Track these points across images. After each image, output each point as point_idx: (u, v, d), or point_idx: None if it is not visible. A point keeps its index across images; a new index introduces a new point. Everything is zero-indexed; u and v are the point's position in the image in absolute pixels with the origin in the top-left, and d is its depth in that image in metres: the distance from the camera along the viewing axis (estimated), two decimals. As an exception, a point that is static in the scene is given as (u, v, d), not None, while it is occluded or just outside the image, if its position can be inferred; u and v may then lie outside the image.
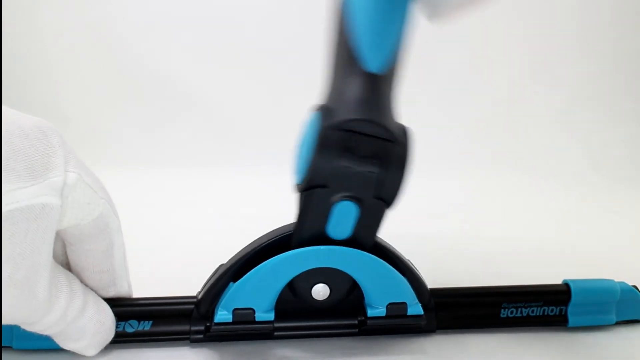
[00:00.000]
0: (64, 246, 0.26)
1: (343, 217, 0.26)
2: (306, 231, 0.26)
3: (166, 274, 0.38)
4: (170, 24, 0.82)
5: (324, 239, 0.26)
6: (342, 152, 0.24)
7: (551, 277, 0.38)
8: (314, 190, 0.25)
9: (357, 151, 0.24)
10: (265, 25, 0.82)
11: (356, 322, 0.29)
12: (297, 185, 0.26)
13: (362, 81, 0.25)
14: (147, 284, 0.34)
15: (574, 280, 0.30)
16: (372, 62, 0.25)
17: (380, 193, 0.25)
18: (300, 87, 0.77)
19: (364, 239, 0.26)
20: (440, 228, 0.51)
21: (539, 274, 0.39)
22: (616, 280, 0.31)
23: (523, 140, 0.79)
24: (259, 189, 0.64)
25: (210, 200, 0.60)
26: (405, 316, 0.28)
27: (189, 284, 0.34)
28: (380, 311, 0.27)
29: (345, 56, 0.26)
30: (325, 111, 0.25)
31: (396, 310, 0.27)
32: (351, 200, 0.25)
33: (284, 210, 0.55)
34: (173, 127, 0.80)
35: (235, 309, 0.27)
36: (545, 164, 0.76)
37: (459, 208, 0.59)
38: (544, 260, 0.43)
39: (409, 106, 0.85)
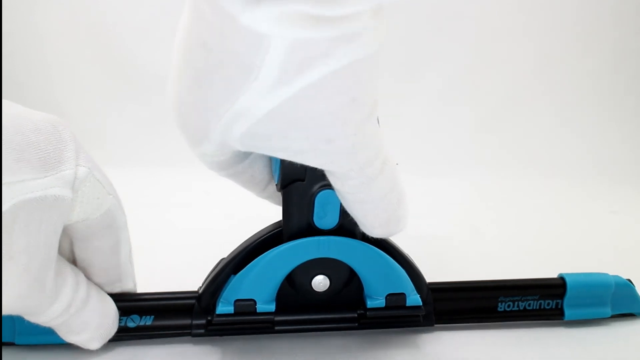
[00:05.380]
0: (71, 243, 0.26)
1: (327, 206, 0.26)
2: (294, 225, 0.26)
3: (167, 272, 0.38)
4: (169, 23, 0.82)
5: (312, 231, 0.26)
6: None
7: (546, 274, 0.38)
8: (293, 185, 0.25)
9: None
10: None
11: (356, 315, 0.29)
12: (277, 184, 0.26)
13: None
14: (148, 282, 0.34)
15: (569, 274, 0.31)
16: None
17: None
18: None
19: (353, 225, 0.26)
20: (440, 227, 0.51)
21: (538, 273, 0.39)
22: (611, 274, 0.31)
23: (523, 139, 0.79)
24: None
25: (210, 199, 0.60)
26: (405, 307, 0.28)
27: (189, 281, 0.35)
28: (380, 302, 0.28)
29: None
30: None
31: (395, 301, 0.27)
32: (331, 189, 0.25)
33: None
34: (174, 127, 0.80)
35: (236, 300, 0.27)
36: (546, 163, 0.76)
37: (459, 207, 0.59)
38: (543, 259, 0.43)
39: (410, 105, 0.85)
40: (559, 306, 0.30)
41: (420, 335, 0.30)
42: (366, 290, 0.28)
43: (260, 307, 0.27)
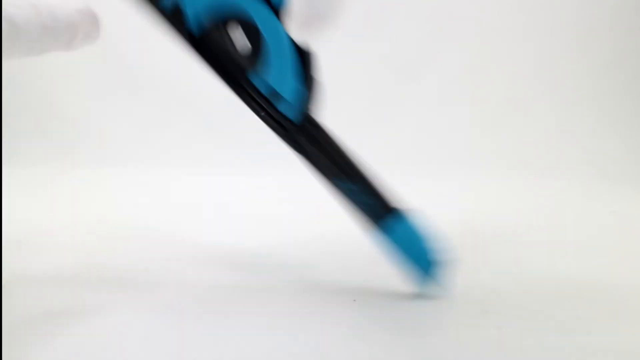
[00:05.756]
0: None
1: None
2: None
3: (166, 271, 0.38)
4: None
5: None
6: None
7: (547, 274, 0.38)
8: None
9: None
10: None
11: (241, 84, 0.30)
12: None
13: None
14: (149, 278, 0.34)
15: (411, 215, 0.31)
16: None
17: None
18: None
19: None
20: (439, 227, 0.51)
21: (538, 273, 0.39)
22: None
23: (523, 139, 0.80)
24: (259, 188, 0.64)
25: (210, 198, 0.60)
26: (276, 109, 0.29)
27: (189, 278, 0.35)
28: (263, 86, 0.29)
29: None
30: None
31: (274, 96, 0.29)
32: None
33: (284, 210, 0.56)
34: (173, 127, 0.80)
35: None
36: (546, 164, 0.76)
37: (458, 207, 0.59)
38: (543, 259, 0.43)
39: (410, 106, 0.85)
40: (379, 223, 0.31)
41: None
42: (264, 73, 0.29)
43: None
